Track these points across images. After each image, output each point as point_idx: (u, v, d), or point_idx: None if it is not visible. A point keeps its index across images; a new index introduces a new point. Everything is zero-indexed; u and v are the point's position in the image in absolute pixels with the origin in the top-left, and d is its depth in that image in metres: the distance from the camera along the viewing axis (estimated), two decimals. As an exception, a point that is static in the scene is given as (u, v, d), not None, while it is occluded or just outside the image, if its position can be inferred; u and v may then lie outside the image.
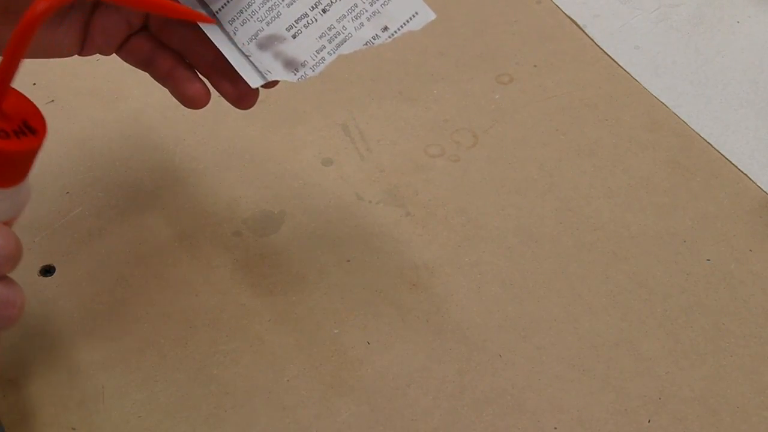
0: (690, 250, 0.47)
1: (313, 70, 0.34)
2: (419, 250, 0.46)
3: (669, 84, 0.57)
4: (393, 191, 0.49)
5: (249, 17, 0.34)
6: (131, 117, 0.51)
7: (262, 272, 0.44)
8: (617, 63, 0.58)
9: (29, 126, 0.27)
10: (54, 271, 0.44)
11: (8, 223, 0.29)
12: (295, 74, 0.34)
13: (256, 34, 0.34)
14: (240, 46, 0.34)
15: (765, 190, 0.50)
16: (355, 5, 0.34)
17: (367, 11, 0.34)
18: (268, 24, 0.34)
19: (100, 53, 0.36)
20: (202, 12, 0.34)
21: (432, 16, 0.33)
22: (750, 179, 0.51)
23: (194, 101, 0.36)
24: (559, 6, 0.62)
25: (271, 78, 0.34)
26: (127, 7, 0.33)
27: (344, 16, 0.34)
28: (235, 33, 0.35)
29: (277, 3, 0.34)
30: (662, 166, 0.51)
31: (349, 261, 0.45)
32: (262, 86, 0.35)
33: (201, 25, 0.34)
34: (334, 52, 0.34)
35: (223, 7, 0.35)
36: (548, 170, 0.51)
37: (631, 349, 0.42)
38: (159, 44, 0.36)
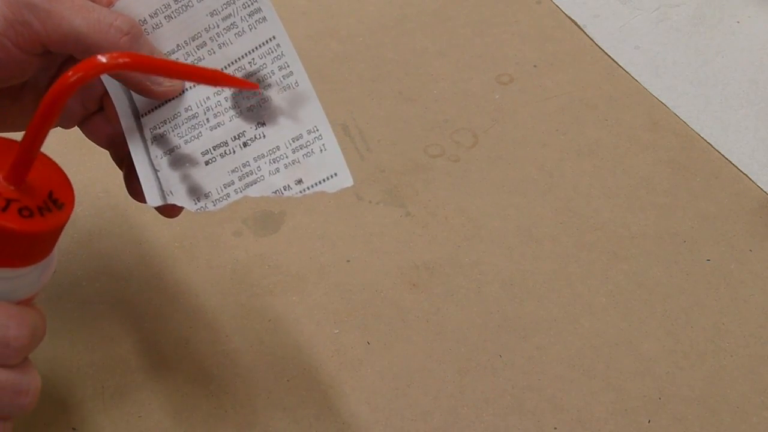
0: (690, 250, 0.47)
1: (215, 205, 0.32)
2: (419, 250, 0.46)
3: (669, 84, 0.57)
4: (393, 191, 0.49)
5: (170, 130, 0.33)
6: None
7: (262, 272, 0.44)
8: (617, 63, 0.58)
9: (55, 200, 0.26)
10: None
11: (33, 297, 0.27)
12: (196, 204, 0.32)
13: (172, 150, 0.33)
14: (152, 158, 0.33)
15: (765, 190, 0.50)
16: (277, 148, 0.32)
17: (287, 157, 0.32)
18: (186, 143, 0.33)
19: (60, 127, 0.35)
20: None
21: (350, 182, 0.31)
22: (750, 179, 0.51)
23: (137, 198, 0.34)
24: (559, 6, 0.62)
25: (170, 201, 0.32)
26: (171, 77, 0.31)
27: (263, 156, 0.32)
28: (152, 143, 0.33)
29: (201, 122, 0.32)
30: (662, 166, 0.51)
31: (349, 261, 0.45)
32: (157, 208, 0.33)
33: (123, 127, 0.33)
34: (241, 191, 0.32)
35: (149, 112, 0.33)
36: (548, 170, 0.51)
37: (631, 349, 0.42)
38: (118, 130, 0.34)
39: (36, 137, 0.24)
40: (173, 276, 0.44)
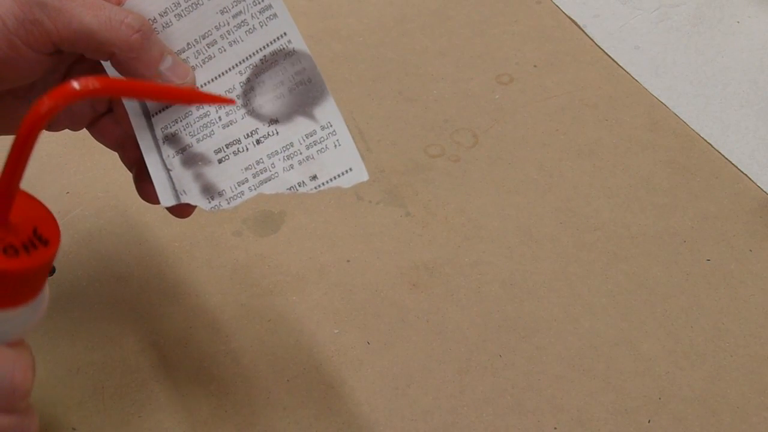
0: (690, 250, 0.47)
1: (229, 203, 0.32)
2: (419, 250, 0.46)
3: (669, 84, 0.57)
4: (393, 191, 0.49)
5: (182, 129, 0.32)
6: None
7: (262, 272, 0.44)
8: (617, 63, 0.58)
9: (40, 236, 0.25)
10: (54, 271, 0.44)
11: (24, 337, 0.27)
12: (210, 202, 0.32)
13: (184, 149, 0.32)
14: (164, 158, 0.32)
15: (765, 190, 0.50)
16: (291, 144, 0.32)
17: (300, 153, 0.32)
18: (198, 141, 0.32)
19: (69, 130, 0.35)
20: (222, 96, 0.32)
21: (365, 177, 0.31)
22: (750, 179, 0.51)
23: (148, 199, 0.34)
24: (559, 6, 0.62)
25: (184, 200, 0.32)
26: (148, 100, 0.31)
27: (276, 153, 0.32)
28: (163, 142, 0.32)
29: (214, 121, 0.32)
30: (662, 166, 0.51)
31: (349, 261, 0.45)
32: (169, 208, 0.33)
33: (134, 127, 0.32)
34: (255, 189, 0.32)
35: (160, 111, 0.32)
36: (548, 170, 0.51)
37: (631, 349, 0.42)
38: (127, 131, 0.34)
39: (14, 173, 0.23)
40: (173, 276, 0.44)
